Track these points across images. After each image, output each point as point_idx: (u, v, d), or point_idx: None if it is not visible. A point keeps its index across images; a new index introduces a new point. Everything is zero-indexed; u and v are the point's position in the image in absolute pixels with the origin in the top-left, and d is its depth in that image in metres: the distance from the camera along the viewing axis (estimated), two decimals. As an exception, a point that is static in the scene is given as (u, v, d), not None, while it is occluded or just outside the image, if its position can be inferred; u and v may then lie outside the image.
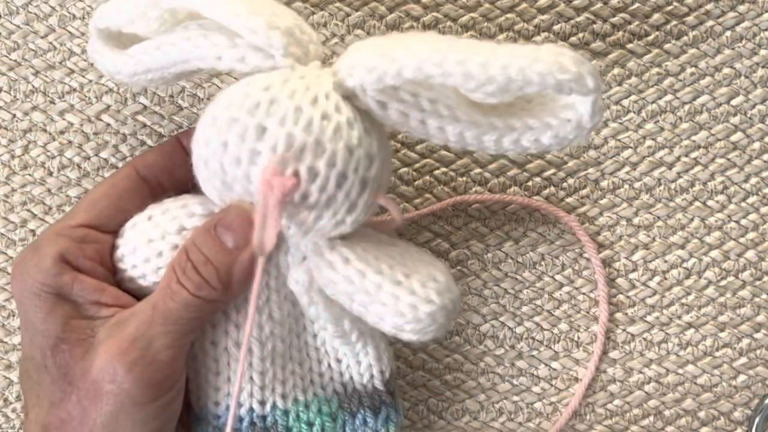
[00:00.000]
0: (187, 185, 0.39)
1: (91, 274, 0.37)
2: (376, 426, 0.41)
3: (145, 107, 0.45)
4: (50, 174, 0.45)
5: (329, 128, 0.33)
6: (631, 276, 0.46)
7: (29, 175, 0.45)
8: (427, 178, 0.45)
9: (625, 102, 0.45)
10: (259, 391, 0.39)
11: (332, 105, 0.34)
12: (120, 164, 0.45)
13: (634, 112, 0.45)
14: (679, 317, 0.46)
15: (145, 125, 0.45)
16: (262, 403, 0.39)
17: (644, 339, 0.46)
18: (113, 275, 0.38)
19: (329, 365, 0.40)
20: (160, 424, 0.37)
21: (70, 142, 0.45)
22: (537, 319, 0.46)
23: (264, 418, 0.39)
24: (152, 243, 0.37)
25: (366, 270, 0.36)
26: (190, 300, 0.35)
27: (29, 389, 0.37)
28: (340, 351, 0.40)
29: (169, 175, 0.40)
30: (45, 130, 0.45)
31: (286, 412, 0.40)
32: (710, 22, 0.45)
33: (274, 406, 0.39)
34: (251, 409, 0.39)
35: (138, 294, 0.38)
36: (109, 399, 0.35)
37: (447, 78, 0.32)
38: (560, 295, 0.46)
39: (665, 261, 0.46)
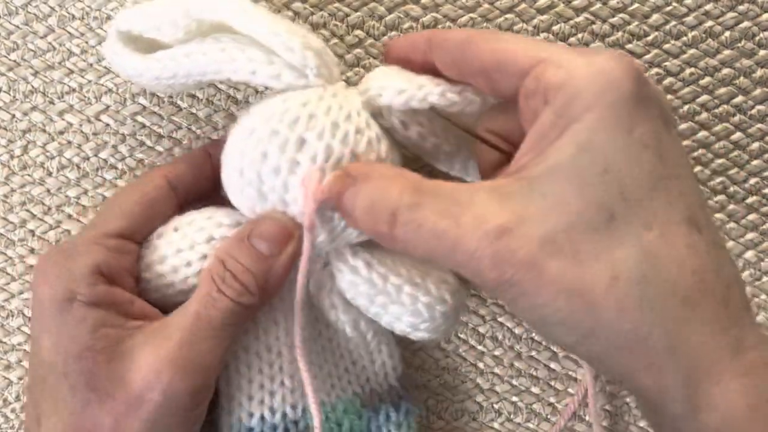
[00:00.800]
0: (210, 197, 0.41)
1: (122, 285, 0.38)
2: (399, 419, 0.42)
3: (144, 108, 0.45)
4: (49, 174, 0.45)
5: (363, 141, 0.37)
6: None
7: (28, 175, 0.45)
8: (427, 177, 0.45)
9: (625, 102, 0.45)
10: (290, 394, 0.40)
11: (363, 121, 0.37)
12: (120, 165, 0.45)
13: (634, 113, 0.45)
14: (679, 317, 0.46)
15: (144, 126, 0.45)
16: (294, 407, 0.40)
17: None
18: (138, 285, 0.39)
19: (346, 369, 0.42)
20: (194, 430, 0.38)
21: (69, 142, 0.45)
22: (536, 319, 0.46)
23: (296, 423, 0.40)
24: (181, 253, 0.39)
25: (388, 273, 0.39)
26: (231, 306, 0.37)
27: (44, 397, 0.37)
28: (354, 353, 0.42)
29: (197, 186, 0.41)
30: (44, 131, 0.45)
31: None
32: (710, 22, 0.45)
33: (304, 410, 0.40)
34: (284, 414, 0.40)
35: (159, 303, 0.39)
36: (149, 407, 0.35)
37: (467, 105, 0.37)
38: (559, 295, 0.46)
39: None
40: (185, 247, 0.39)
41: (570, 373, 0.46)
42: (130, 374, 0.36)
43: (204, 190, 0.41)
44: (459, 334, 0.46)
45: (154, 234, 0.40)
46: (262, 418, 0.39)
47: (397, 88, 0.37)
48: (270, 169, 0.36)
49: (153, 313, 0.38)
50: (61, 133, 0.45)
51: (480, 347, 0.46)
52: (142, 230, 0.39)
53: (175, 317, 0.37)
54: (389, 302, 0.39)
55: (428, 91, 0.37)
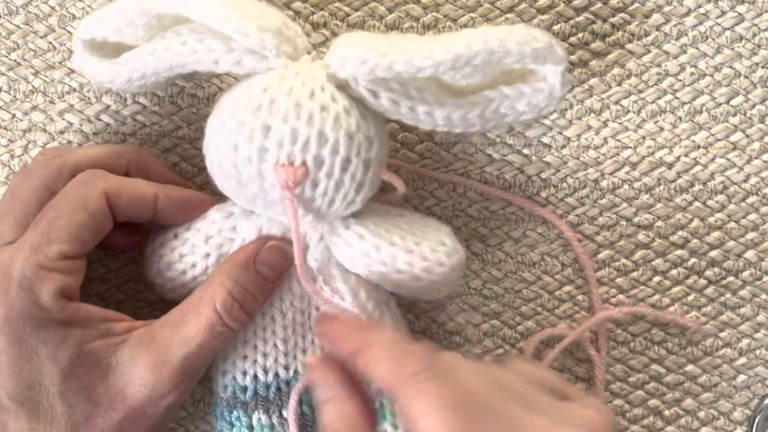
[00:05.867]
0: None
1: (85, 301, 0.38)
2: None
3: (145, 107, 0.45)
4: (50, 174, 0.45)
5: (329, 118, 0.36)
6: (632, 275, 0.46)
7: (29, 175, 0.45)
8: (427, 179, 0.45)
9: (625, 102, 0.45)
10: (283, 356, 0.41)
11: (328, 96, 0.37)
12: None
13: (634, 112, 0.45)
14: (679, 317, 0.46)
15: (144, 125, 0.45)
16: (287, 368, 0.41)
17: (644, 338, 0.46)
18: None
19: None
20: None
21: (69, 142, 0.45)
22: (537, 318, 0.46)
23: (288, 383, 0.41)
24: (185, 257, 0.40)
25: (380, 243, 0.39)
26: (231, 335, 0.39)
27: (36, 418, 0.37)
28: None
29: (133, 207, 0.39)
30: (45, 130, 0.45)
31: None
32: (710, 22, 0.45)
33: (296, 372, 0.41)
34: (277, 375, 0.41)
35: (177, 300, 0.40)
36: (152, 418, 0.38)
37: (438, 67, 0.36)
38: (560, 294, 0.46)
39: (665, 261, 0.46)
40: (187, 252, 0.40)
41: (571, 371, 0.46)
42: (130, 389, 0.37)
43: (139, 216, 0.40)
44: (460, 333, 0.46)
45: (153, 243, 0.41)
46: (256, 377, 0.41)
47: (360, 58, 0.36)
48: (242, 159, 0.37)
49: (129, 320, 0.39)
50: (62, 132, 0.45)
51: (481, 346, 0.46)
52: (88, 248, 0.38)
53: (174, 341, 0.38)
54: (386, 271, 0.40)
55: (393, 59, 0.36)
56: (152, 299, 0.44)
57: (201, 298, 0.38)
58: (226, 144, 0.37)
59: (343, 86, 0.37)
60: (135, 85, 0.39)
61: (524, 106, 0.38)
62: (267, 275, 0.39)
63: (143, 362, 0.37)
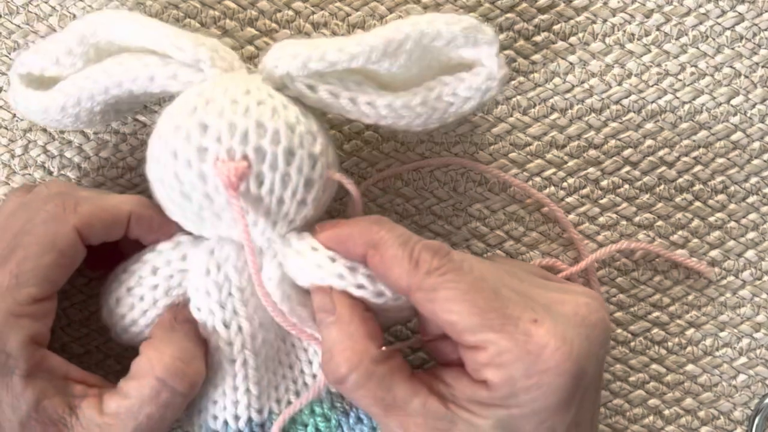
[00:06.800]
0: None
1: (52, 348, 0.37)
2: (372, 423, 0.40)
3: (145, 107, 0.45)
4: (50, 174, 0.45)
5: (266, 110, 0.36)
6: (632, 275, 0.46)
7: (29, 174, 0.45)
8: (427, 179, 0.45)
9: (625, 102, 0.45)
10: (256, 400, 0.39)
11: (265, 93, 0.36)
12: (120, 164, 0.45)
13: (634, 112, 0.45)
14: (679, 317, 0.46)
15: (145, 125, 0.45)
16: (260, 411, 0.39)
17: (645, 338, 0.46)
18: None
19: (321, 365, 0.40)
20: None
21: (69, 141, 0.45)
22: (537, 318, 0.46)
23: (262, 425, 0.40)
24: (132, 290, 0.39)
25: (336, 255, 0.38)
26: (183, 398, 0.38)
27: None
28: None
29: (105, 235, 0.39)
30: (45, 130, 0.45)
31: None
32: (710, 22, 0.45)
33: (270, 412, 0.40)
34: (250, 419, 0.39)
35: (131, 343, 0.40)
36: None
37: (371, 53, 0.36)
38: (560, 294, 0.46)
39: (666, 260, 0.46)
40: (134, 284, 0.39)
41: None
42: None
43: (112, 237, 0.39)
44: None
45: (108, 281, 0.40)
46: (226, 423, 0.39)
47: (291, 53, 0.36)
48: (182, 164, 0.35)
49: (90, 377, 0.38)
50: (62, 132, 0.45)
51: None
52: (60, 286, 0.38)
53: (122, 414, 0.36)
54: (344, 285, 0.37)
55: (324, 50, 0.36)
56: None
57: (141, 368, 0.37)
58: (165, 152, 0.36)
59: (280, 88, 0.37)
60: (70, 113, 0.38)
61: (465, 90, 0.38)
62: (194, 330, 0.38)
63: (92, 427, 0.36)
